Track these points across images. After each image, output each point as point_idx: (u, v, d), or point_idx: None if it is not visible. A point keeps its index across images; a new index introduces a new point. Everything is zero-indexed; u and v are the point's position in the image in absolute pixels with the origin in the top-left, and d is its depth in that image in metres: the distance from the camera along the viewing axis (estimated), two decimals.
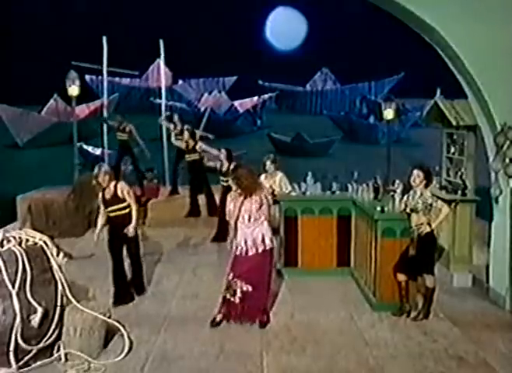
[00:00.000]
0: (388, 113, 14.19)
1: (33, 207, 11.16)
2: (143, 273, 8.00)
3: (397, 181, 7.91)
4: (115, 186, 7.42)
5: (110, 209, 7.43)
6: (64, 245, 7.37)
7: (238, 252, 6.88)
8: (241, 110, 30.39)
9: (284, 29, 37.18)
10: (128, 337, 6.23)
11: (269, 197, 7.09)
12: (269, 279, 6.99)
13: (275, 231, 9.22)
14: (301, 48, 36.71)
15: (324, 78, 37.21)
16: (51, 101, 26.20)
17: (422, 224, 6.84)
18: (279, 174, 9.23)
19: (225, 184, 9.97)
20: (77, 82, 13.63)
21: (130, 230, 7.45)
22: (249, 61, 31.01)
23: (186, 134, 11.98)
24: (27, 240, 6.11)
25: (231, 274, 6.90)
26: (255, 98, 31.28)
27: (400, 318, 7.06)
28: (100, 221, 7.58)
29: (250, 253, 6.82)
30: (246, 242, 6.83)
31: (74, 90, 13.69)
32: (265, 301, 6.98)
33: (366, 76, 34.49)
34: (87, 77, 27.48)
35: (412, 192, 7.02)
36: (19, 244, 6.00)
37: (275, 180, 9.13)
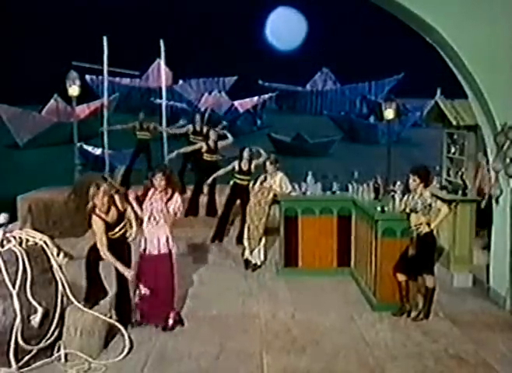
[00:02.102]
0: (388, 113, 14.18)
1: (33, 207, 11.15)
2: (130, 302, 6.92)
3: (398, 183, 7.91)
4: (115, 204, 6.52)
5: (113, 231, 6.49)
6: (64, 245, 7.34)
7: (141, 251, 6.80)
8: (241, 110, 30.32)
9: (284, 29, 37.11)
10: (128, 337, 6.23)
11: (179, 202, 6.78)
12: (171, 284, 6.75)
13: (275, 231, 9.34)
14: (301, 48, 36.62)
15: (324, 78, 37.12)
16: (51, 101, 26.15)
17: (421, 224, 6.85)
18: (279, 174, 9.23)
19: (239, 182, 10.10)
20: (77, 82, 13.66)
21: (132, 235, 6.78)
22: (249, 61, 30.95)
23: (213, 134, 11.87)
24: (27, 240, 6.12)
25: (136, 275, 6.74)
26: (255, 98, 31.20)
27: (400, 318, 7.07)
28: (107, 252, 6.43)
29: (151, 253, 6.71)
30: (146, 242, 6.74)
31: (74, 90, 13.71)
32: (166, 308, 6.74)
33: (366, 76, 34.44)
34: (87, 77, 27.44)
35: (411, 192, 7.03)
36: (20, 244, 6.01)
37: (275, 180, 9.14)
